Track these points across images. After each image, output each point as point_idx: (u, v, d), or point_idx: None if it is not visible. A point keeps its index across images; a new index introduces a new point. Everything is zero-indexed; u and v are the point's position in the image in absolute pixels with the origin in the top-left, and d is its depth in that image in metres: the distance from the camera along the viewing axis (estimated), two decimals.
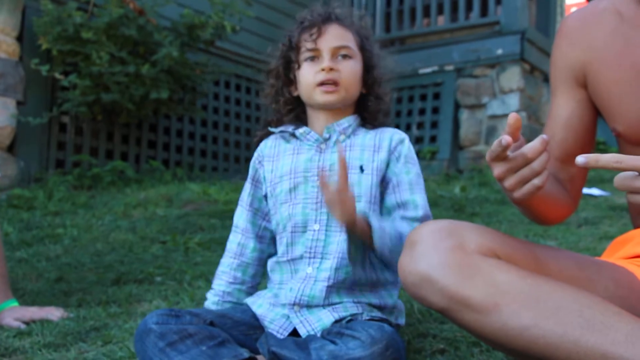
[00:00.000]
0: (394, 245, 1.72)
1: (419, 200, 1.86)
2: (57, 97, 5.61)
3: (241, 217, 2.00)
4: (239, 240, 1.99)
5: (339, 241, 1.80)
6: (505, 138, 1.34)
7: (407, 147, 1.90)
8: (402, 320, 1.89)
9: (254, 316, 1.84)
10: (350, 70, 1.90)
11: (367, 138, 1.91)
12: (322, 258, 1.81)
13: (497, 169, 1.41)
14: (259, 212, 1.99)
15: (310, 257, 1.82)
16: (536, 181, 1.38)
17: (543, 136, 1.37)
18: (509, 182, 1.40)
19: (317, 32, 1.89)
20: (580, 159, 1.28)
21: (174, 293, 2.78)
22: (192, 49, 6.07)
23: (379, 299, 1.82)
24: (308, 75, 1.89)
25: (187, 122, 6.70)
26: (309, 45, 1.89)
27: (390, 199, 1.87)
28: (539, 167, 1.37)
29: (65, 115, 5.72)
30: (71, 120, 5.78)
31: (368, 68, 1.95)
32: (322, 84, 1.86)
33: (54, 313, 2.45)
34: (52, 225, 4.33)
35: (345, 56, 1.90)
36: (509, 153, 1.38)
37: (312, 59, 1.89)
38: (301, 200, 1.85)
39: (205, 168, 6.83)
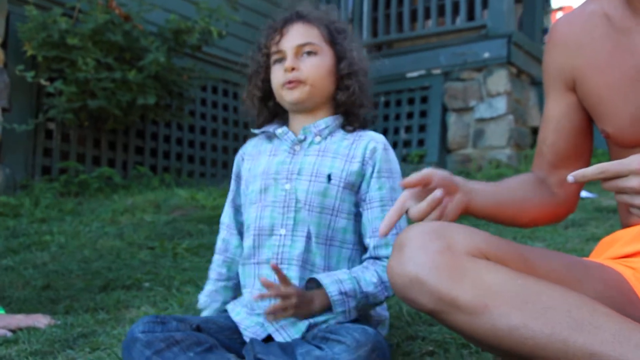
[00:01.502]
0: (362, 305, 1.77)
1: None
2: (42, 103, 5.58)
3: (225, 213, 2.02)
4: (224, 236, 2.01)
5: (307, 250, 1.80)
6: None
7: (381, 157, 1.86)
8: (384, 330, 1.89)
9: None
10: (314, 65, 1.89)
11: (342, 145, 1.89)
12: (288, 264, 1.80)
13: (415, 216, 1.53)
14: (242, 208, 1.98)
15: (276, 263, 1.80)
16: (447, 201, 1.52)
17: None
18: (432, 217, 1.52)
19: (279, 34, 1.91)
20: (570, 177, 1.31)
21: (163, 299, 2.77)
22: (179, 55, 6.06)
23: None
24: (276, 77, 1.91)
25: (174, 127, 6.69)
26: (274, 48, 1.92)
27: (364, 218, 1.86)
28: (439, 195, 1.50)
29: (51, 121, 5.70)
30: (57, 127, 5.76)
31: (339, 60, 1.94)
32: (284, 83, 1.88)
33: (41, 320, 2.43)
34: (38, 233, 4.31)
35: (310, 53, 1.90)
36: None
37: (280, 60, 1.91)
38: (270, 203, 1.85)
39: (193, 174, 6.82)
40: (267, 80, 1.96)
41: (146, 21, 5.86)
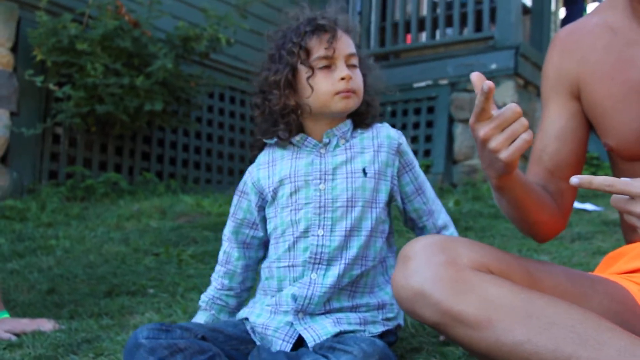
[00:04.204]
0: None
1: (438, 202, 1.99)
2: (50, 108, 5.61)
3: (226, 226, 2.02)
4: (225, 248, 2.01)
5: (345, 246, 1.80)
6: (487, 83, 1.35)
7: (407, 146, 1.94)
8: (401, 320, 1.88)
9: (246, 331, 1.84)
10: (359, 77, 1.88)
11: (365, 139, 1.90)
12: (327, 265, 1.80)
13: (483, 129, 1.42)
14: (245, 221, 1.98)
15: (314, 263, 1.80)
16: (526, 135, 1.39)
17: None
18: (497, 141, 1.41)
19: (332, 38, 1.83)
20: (574, 179, 1.30)
21: (167, 305, 2.77)
22: (187, 61, 6.07)
23: (376, 298, 1.83)
24: (325, 84, 1.83)
25: (181, 134, 6.70)
26: (324, 52, 1.83)
27: (415, 204, 1.94)
28: (526, 122, 1.39)
29: (58, 126, 5.72)
30: (65, 132, 5.78)
31: (362, 73, 1.92)
32: (340, 92, 1.82)
33: (45, 325, 2.44)
34: (44, 237, 4.32)
35: (354, 65, 1.88)
36: (493, 112, 1.38)
37: (327, 66, 1.83)
38: (303, 205, 1.84)
39: (199, 180, 6.83)
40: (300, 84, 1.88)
41: (155, 28, 5.88)
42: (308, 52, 1.84)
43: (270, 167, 1.93)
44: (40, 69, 5.46)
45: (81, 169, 5.66)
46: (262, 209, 1.94)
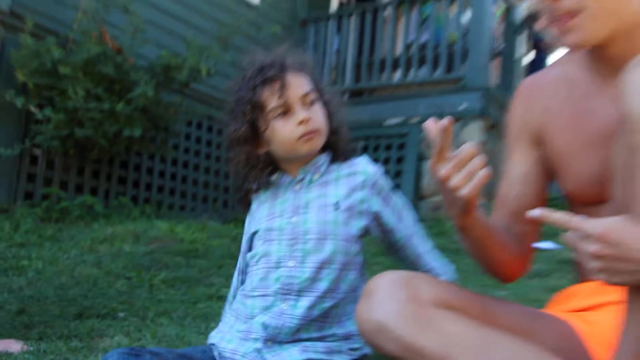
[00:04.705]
0: None
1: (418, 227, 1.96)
2: (29, 129, 5.58)
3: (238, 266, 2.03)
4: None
5: (315, 278, 1.79)
6: (445, 121, 1.40)
7: (383, 181, 1.90)
8: (367, 350, 1.86)
9: (213, 357, 1.83)
10: (321, 113, 1.86)
11: (341, 174, 1.89)
12: (297, 295, 1.79)
13: (443, 169, 1.43)
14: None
15: (284, 294, 1.79)
16: (483, 172, 1.41)
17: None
18: (456, 179, 1.42)
19: (282, 86, 1.81)
20: (536, 212, 1.33)
21: (137, 329, 2.74)
22: (167, 89, 6.08)
23: (343, 329, 1.81)
24: (285, 132, 1.82)
25: (158, 160, 6.69)
26: (277, 102, 1.81)
27: (399, 233, 1.90)
28: (482, 159, 1.41)
29: (37, 147, 5.68)
30: (43, 153, 5.74)
31: (324, 104, 1.91)
32: (302, 136, 1.81)
33: (13, 346, 2.39)
34: (16, 257, 4.26)
35: (312, 101, 1.85)
36: (450, 153, 1.42)
37: (285, 112, 1.82)
38: (276, 237, 1.84)
39: (173, 206, 6.80)
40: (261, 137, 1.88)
41: (138, 55, 5.88)
42: (262, 106, 1.83)
43: (259, 208, 1.95)
44: (22, 90, 5.43)
45: (57, 190, 5.62)
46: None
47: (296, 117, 1.81)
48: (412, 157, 6.99)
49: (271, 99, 1.82)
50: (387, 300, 1.40)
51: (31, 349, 2.41)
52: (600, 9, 1.48)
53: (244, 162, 1.90)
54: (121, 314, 3.06)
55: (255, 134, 1.87)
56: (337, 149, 1.94)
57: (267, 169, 1.90)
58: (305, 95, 1.85)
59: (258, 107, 1.84)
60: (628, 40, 1.54)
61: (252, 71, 1.88)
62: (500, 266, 1.73)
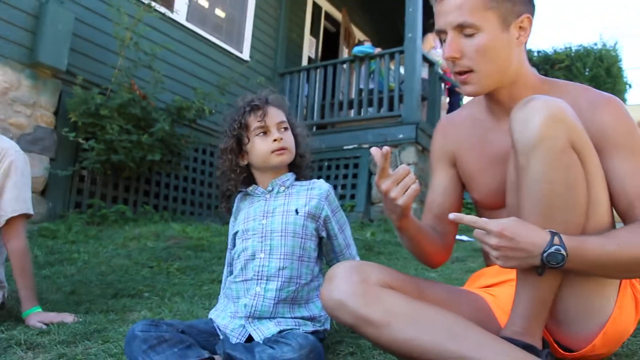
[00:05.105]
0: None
1: (352, 239, 1.96)
2: (79, 156, 5.55)
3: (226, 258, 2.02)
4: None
5: (281, 267, 1.78)
6: (386, 148, 1.42)
7: (334, 196, 1.91)
8: (327, 325, 1.86)
9: (214, 327, 1.83)
10: (291, 138, 1.90)
11: (302, 188, 1.89)
12: (267, 280, 1.78)
13: (385, 184, 1.45)
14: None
15: (258, 279, 1.78)
16: (415, 186, 1.44)
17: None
18: (395, 192, 1.44)
19: (263, 113, 1.86)
20: (452, 215, 1.36)
21: (157, 306, 2.72)
22: (180, 125, 6.05)
23: (309, 311, 1.81)
24: (263, 146, 1.85)
25: (173, 177, 6.62)
26: (258, 123, 1.86)
27: (339, 240, 1.90)
28: (414, 177, 1.44)
29: (84, 169, 5.64)
30: (88, 173, 5.71)
31: (295, 134, 1.94)
32: (274, 150, 1.84)
33: (67, 318, 2.38)
34: (69, 251, 4.22)
35: (285, 128, 1.90)
36: (390, 171, 1.44)
37: (264, 133, 1.86)
38: (251, 236, 1.84)
39: (185, 212, 6.74)
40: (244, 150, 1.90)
41: (158, 100, 5.89)
42: (247, 126, 1.88)
43: (239, 212, 1.95)
44: (73, 127, 5.41)
45: (99, 201, 5.56)
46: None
47: (272, 136, 1.85)
48: (364, 174, 7.00)
49: (254, 121, 1.87)
50: (343, 282, 1.40)
51: (80, 320, 2.40)
52: (488, 69, 1.50)
53: (227, 168, 1.91)
54: (146, 294, 3.04)
55: (239, 147, 1.90)
56: (300, 170, 1.95)
57: (243, 175, 1.91)
58: (280, 122, 1.89)
59: (244, 126, 1.88)
60: (512, 89, 1.56)
61: (243, 102, 1.92)
62: (429, 256, 1.74)
